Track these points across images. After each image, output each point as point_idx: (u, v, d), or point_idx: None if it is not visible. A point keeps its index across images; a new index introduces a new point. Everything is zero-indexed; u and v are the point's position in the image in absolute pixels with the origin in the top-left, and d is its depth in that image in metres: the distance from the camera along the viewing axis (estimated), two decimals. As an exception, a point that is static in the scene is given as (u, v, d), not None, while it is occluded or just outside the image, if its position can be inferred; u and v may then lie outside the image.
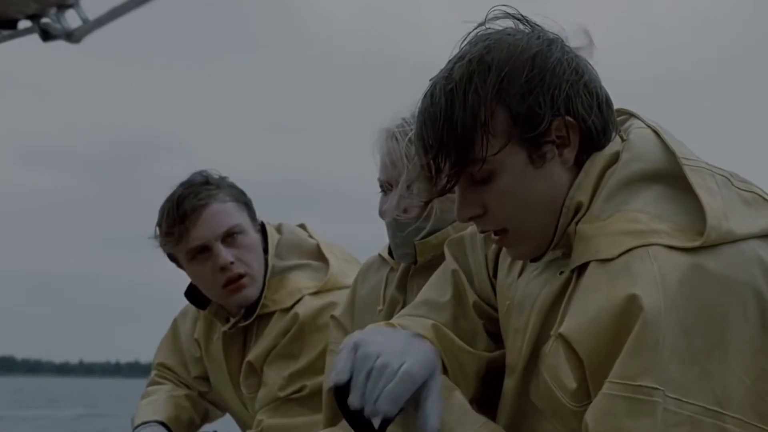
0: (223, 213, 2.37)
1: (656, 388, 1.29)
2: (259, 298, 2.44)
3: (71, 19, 3.59)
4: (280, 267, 2.46)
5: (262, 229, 2.51)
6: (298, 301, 2.41)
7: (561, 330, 1.40)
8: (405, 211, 2.01)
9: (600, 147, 1.46)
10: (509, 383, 1.58)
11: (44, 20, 3.47)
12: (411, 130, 1.95)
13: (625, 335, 1.32)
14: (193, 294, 2.52)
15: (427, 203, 1.82)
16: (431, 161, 1.44)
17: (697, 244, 1.35)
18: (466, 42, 1.46)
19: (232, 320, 2.47)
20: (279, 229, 2.57)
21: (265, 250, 2.47)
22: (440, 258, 1.97)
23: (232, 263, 2.37)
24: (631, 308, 1.32)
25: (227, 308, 2.49)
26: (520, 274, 1.61)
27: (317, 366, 2.35)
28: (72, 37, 3.54)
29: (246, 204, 2.45)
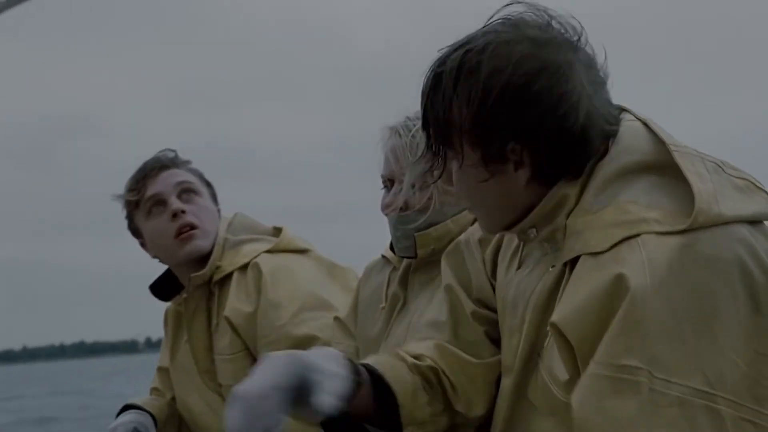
0: (182, 174, 2.49)
1: (641, 368, 1.29)
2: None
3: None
4: (234, 240, 2.52)
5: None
6: (254, 258, 2.47)
7: (552, 319, 1.39)
8: (407, 205, 2.03)
9: (562, 175, 1.45)
10: (506, 383, 1.58)
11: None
12: (414, 126, 2.00)
13: (612, 316, 1.32)
14: (158, 290, 2.57)
15: (429, 198, 1.95)
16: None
17: (684, 226, 1.35)
18: (491, 20, 1.48)
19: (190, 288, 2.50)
20: (234, 216, 2.63)
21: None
22: (440, 252, 1.99)
23: (183, 212, 2.44)
24: (618, 289, 1.32)
25: (182, 279, 2.53)
26: (517, 270, 1.62)
27: (306, 310, 2.41)
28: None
29: (208, 184, 2.55)
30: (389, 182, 2.08)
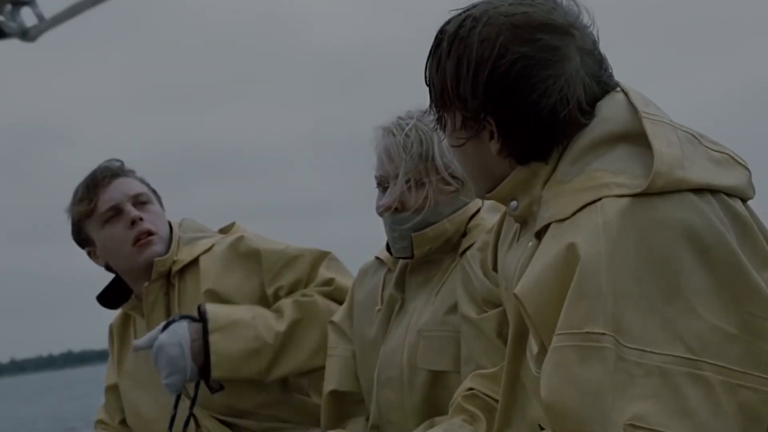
0: (133, 184, 2.54)
1: (604, 334, 1.27)
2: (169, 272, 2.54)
3: (27, 17, 3.49)
4: (188, 237, 2.59)
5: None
6: (212, 246, 2.54)
7: (514, 290, 1.39)
8: (403, 206, 2.04)
9: (530, 155, 1.47)
10: (505, 369, 1.59)
11: (-1, 18, 3.35)
12: (407, 125, 2.03)
13: (567, 286, 1.31)
14: (106, 299, 2.60)
15: (425, 198, 1.99)
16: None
17: (639, 189, 1.33)
18: None
19: (146, 284, 2.52)
20: (182, 220, 2.69)
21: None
22: (437, 252, 2.05)
23: (141, 219, 2.49)
24: (570, 258, 1.32)
25: (137, 292, 2.55)
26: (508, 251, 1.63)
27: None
28: (27, 35, 3.43)
29: (154, 192, 2.60)
30: (384, 182, 2.08)
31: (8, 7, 3.29)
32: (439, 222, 2.04)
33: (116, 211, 2.49)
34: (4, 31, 3.34)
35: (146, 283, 2.52)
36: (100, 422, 2.72)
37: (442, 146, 2.02)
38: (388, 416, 2.11)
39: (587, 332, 1.27)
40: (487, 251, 1.82)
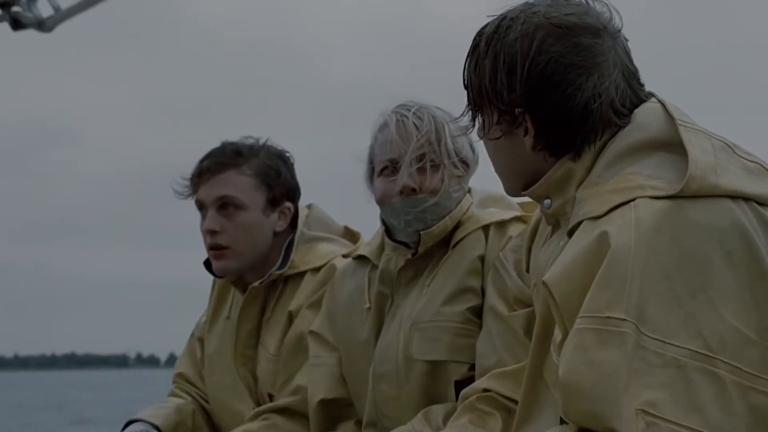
0: (229, 183, 2.41)
1: (625, 320, 1.29)
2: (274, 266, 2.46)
3: (43, 8, 3.53)
4: (309, 236, 2.49)
5: (294, 211, 2.53)
6: (330, 261, 2.44)
7: (543, 278, 1.43)
8: (420, 187, 2.05)
9: (563, 150, 1.52)
10: (528, 365, 1.61)
11: (15, 9, 3.40)
12: (414, 106, 2.06)
13: (595, 272, 1.34)
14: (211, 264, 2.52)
15: (441, 181, 2.03)
16: None
17: (673, 192, 1.36)
18: None
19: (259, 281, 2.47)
20: (309, 206, 2.60)
21: (294, 227, 2.50)
22: (437, 248, 2.08)
23: (215, 232, 2.41)
24: (601, 246, 1.35)
25: (245, 276, 2.50)
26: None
27: None
28: (43, 26, 3.47)
29: (268, 184, 2.45)
30: (393, 166, 2.08)
31: (24, -3, 3.32)
32: (445, 215, 2.07)
33: (203, 208, 2.44)
34: (21, 21, 3.38)
35: (256, 284, 2.46)
36: (180, 376, 2.67)
37: (452, 130, 2.04)
38: (385, 411, 2.12)
39: (609, 317, 1.30)
40: (521, 252, 1.85)
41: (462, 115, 1.61)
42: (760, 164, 1.45)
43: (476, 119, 1.59)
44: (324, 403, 2.24)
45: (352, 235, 2.57)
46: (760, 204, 1.40)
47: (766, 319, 1.32)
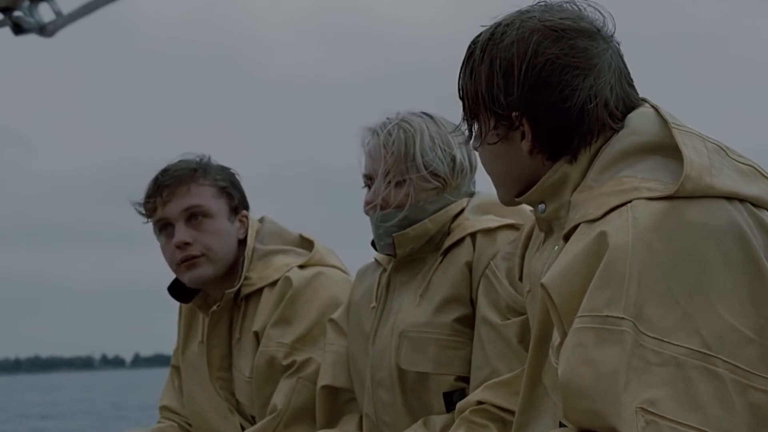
0: (194, 194, 2.43)
1: (623, 318, 1.30)
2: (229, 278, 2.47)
3: (44, 13, 3.48)
4: (263, 250, 2.50)
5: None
6: (285, 273, 2.45)
7: (542, 280, 1.42)
8: (386, 203, 2.09)
9: (560, 152, 1.52)
10: (525, 371, 1.61)
11: (16, 13, 3.35)
12: (390, 125, 2.09)
13: (593, 273, 1.35)
14: (176, 289, 2.54)
15: (406, 195, 2.06)
16: None
17: (669, 192, 1.37)
18: None
19: (218, 304, 2.49)
20: (260, 220, 2.60)
21: (244, 241, 2.50)
22: (420, 251, 2.11)
23: (188, 243, 2.42)
24: (599, 246, 1.36)
25: (211, 295, 2.51)
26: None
27: (313, 335, 2.40)
28: (45, 31, 3.44)
29: (228, 193, 2.48)
30: (369, 181, 2.14)
31: (26, 2, 3.29)
32: (421, 221, 2.08)
33: (168, 225, 2.44)
34: (22, 26, 3.34)
35: (214, 308, 2.48)
36: (164, 408, 2.69)
37: (425, 145, 2.08)
38: (383, 416, 2.13)
39: (607, 316, 1.30)
40: (513, 260, 1.85)
41: (457, 127, 1.63)
42: (752, 166, 1.46)
43: (472, 128, 1.60)
44: (328, 390, 2.26)
45: (308, 243, 2.56)
46: (754, 205, 1.41)
47: (764, 318, 1.33)
